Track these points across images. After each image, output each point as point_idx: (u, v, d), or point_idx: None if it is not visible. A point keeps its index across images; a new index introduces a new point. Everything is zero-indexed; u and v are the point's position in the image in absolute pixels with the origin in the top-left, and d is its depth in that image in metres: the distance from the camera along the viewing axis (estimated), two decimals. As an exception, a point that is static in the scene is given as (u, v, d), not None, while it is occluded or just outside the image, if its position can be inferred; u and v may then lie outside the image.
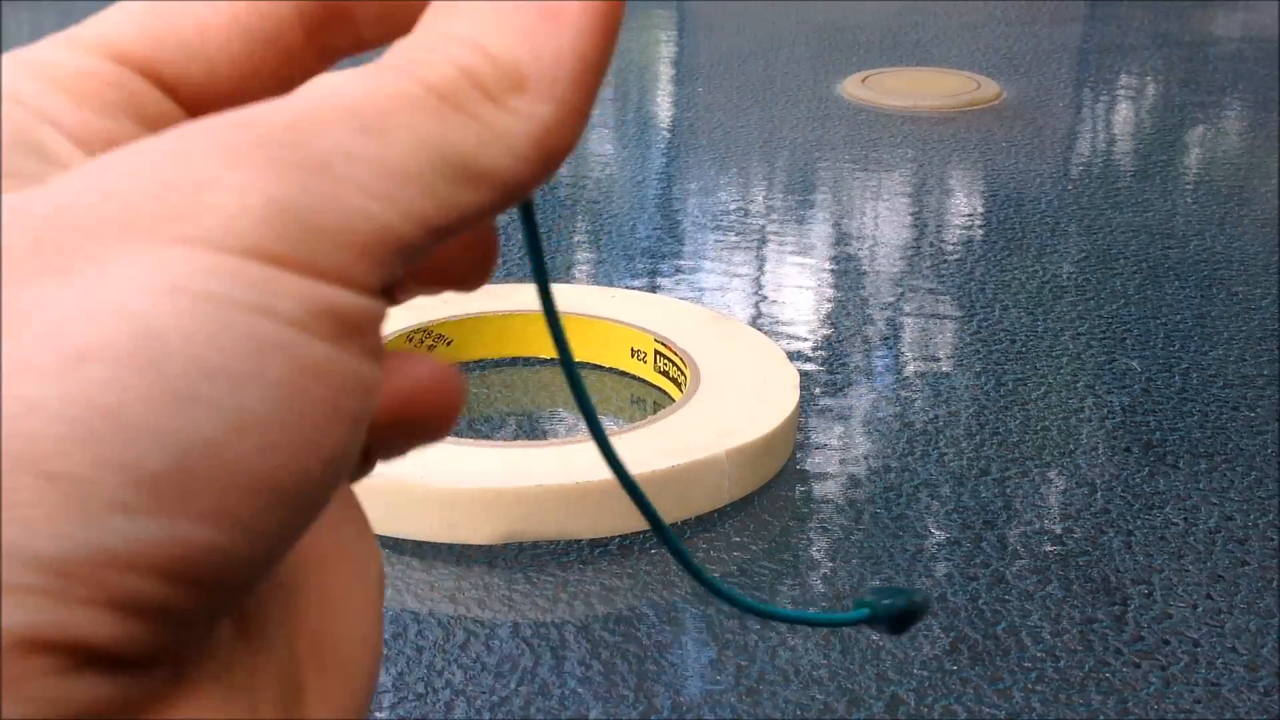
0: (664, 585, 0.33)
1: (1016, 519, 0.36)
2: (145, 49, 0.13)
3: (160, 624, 0.11)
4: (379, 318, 0.11)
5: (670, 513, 0.35)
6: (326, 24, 0.13)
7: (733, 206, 0.62)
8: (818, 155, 0.70)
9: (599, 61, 0.12)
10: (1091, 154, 0.72)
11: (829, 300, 0.51)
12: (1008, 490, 0.38)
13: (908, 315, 0.50)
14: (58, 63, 0.13)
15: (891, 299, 0.52)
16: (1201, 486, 0.38)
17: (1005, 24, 1.07)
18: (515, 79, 0.12)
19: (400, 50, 0.12)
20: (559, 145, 0.12)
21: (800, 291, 0.52)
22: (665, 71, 0.93)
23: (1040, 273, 0.54)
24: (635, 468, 0.34)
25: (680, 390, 0.41)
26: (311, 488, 0.11)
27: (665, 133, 0.75)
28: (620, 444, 0.36)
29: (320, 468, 0.11)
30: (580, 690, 0.29)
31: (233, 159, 0.11)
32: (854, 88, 0.84)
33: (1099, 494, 0.38)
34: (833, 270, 0.55)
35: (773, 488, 0.37)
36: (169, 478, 0.11)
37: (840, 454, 0.39)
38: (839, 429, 0.41)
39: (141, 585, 0.11)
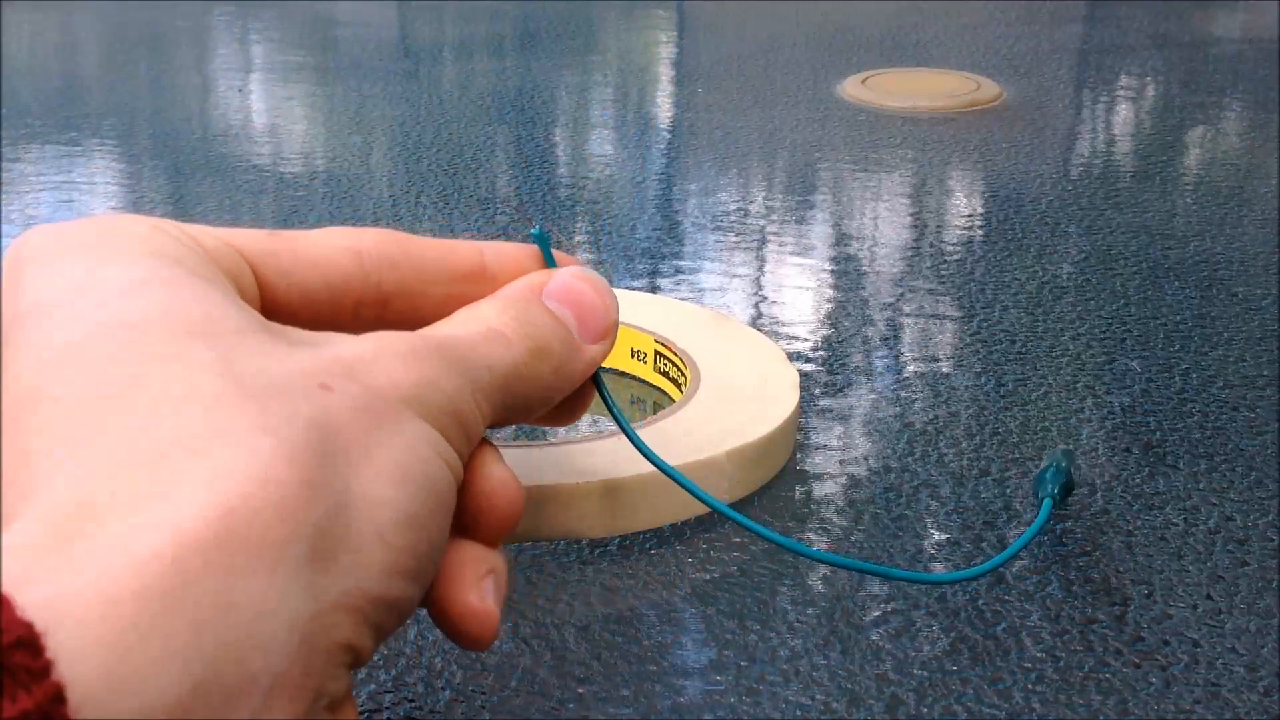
0: (664, 585, 0.33)
1: (1016, 519, 0.36)
2: (257, 255, 0.23)
3: (377, 643, 0.19)
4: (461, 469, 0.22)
5: (671, 514, 0.35)
6: (368, 301, 0.24)
7: (733, 207, 0.62)
8: (818, 156, 0.70)
9: (598, 364, 0.26)
10: (1091, 154, 0.72)
11: (829, 300, 0.51)
12: (1008, 490, 0.38)
13: (908, 315, 0.50)
14: (207, 241, 0.22)
15: (891, 299, 0.52)
16: (1201, 486, 0.38)
17: (1005, 25, 1.07)
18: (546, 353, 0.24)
19: (508, 322, 0.24)
20: (562, 392, 0.25)
21: (800, 292, 0.52)
22: (665, 72, 0.93)
23: (1040, 273, 0.54)
24: (635, 468, 0.34)
25: (680, 390, 0.41)
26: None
27: (665, 133, 0.75)
28: (620, 444, 0.36)
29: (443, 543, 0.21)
30: (580, 690, 0.29)
31: (446, 375, 0.21)
32: (854, 88, 0.84)
33: (1099, 494, 0.38)
34: (833, 271, 0.55)
35: (773, 488, 0.37)
36: (427, 557, 0.20)
37: (840, 454, 0.39)
38: (839, 429, 0.41)
39: (388, 618, 0.19)
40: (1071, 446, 0.40)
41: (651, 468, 0.35)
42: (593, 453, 0.35)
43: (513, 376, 0.23)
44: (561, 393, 0.25)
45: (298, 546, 0.17)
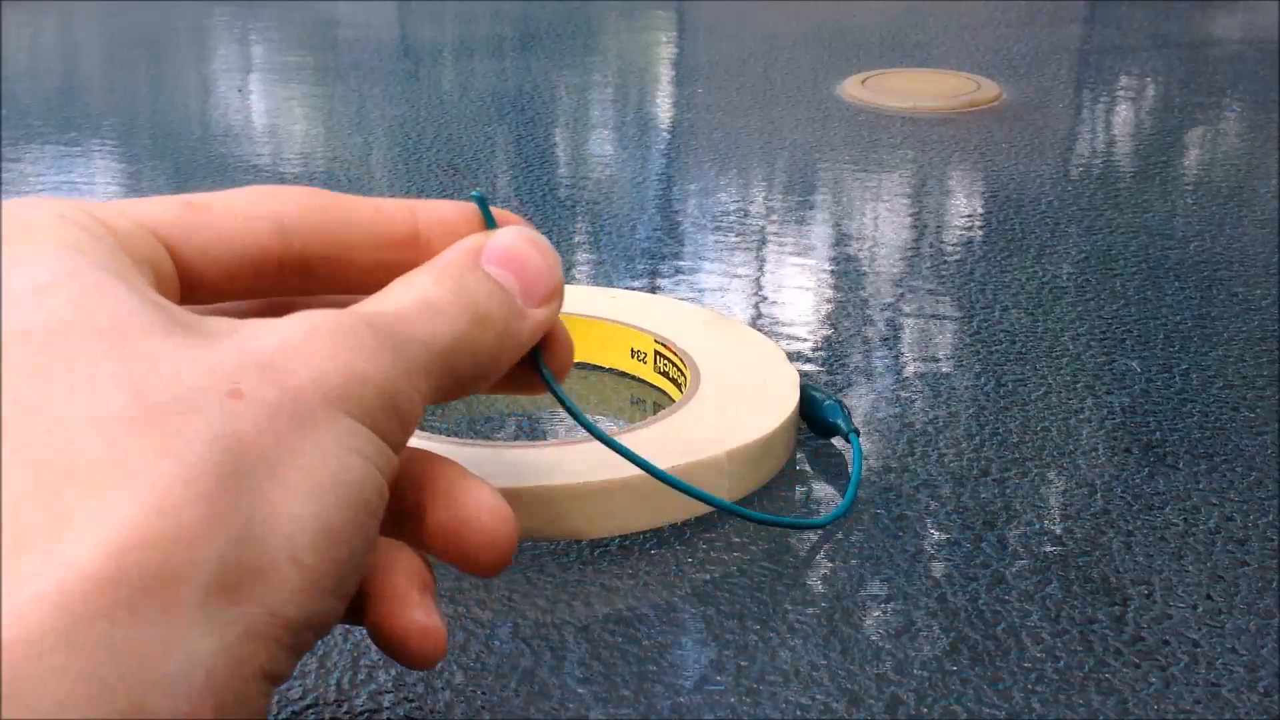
0: (664, 585, 0.33)
1: (1016, 519, 0.36)
2: (174, 234, 0.22)
3: (297, 661, 0.18)
4: (397, 462, 0.20)
5: (671, 513, 0.35)
6: (293, 270, 0.23)
7: (733, 207, 0.62)
8: (818, 156, 0.70)
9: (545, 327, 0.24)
10: (1091, 155, 0.72)
11: (829, 300, 0.51)
12: (1008, 490, 0.38)
13: (908, 315, 0.50)
14: (120, 225, 0.21)
15: (891, 299, 0.52)
16: (1201, 487, 0.38)
17: (1005, 25, 1.07)
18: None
19: (444, 292, 0.22)
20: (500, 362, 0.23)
21: (800, 292, 0.52)
22: (665, 72, 0.93)
23: (1040, 273, 0.54)
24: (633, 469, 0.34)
25: (680, 390, 0.41)
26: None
27: (665, 133, 0.75)
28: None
29: (368, 555, 0.20)
30: (580, 691, 0.29)
31: (378, 357, 0.20)
32: (854, 89, 0.84)
33: (1099, 494, 0.38)
34: (833, 271, 0.55)
35: (773, 488, 0.37)
36: (350, 569, 0.19)
37: (840, 454, 0.39)
38: (839, 429, 0.41)
39: (309, 638, 0.18)
40: (808, 379, 0.43)
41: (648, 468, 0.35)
42: (590, 453, 0.35)
43: (454, 349, 0.22)
44: (509, 361, 0.24)
45: (196, 581, 0.16)
